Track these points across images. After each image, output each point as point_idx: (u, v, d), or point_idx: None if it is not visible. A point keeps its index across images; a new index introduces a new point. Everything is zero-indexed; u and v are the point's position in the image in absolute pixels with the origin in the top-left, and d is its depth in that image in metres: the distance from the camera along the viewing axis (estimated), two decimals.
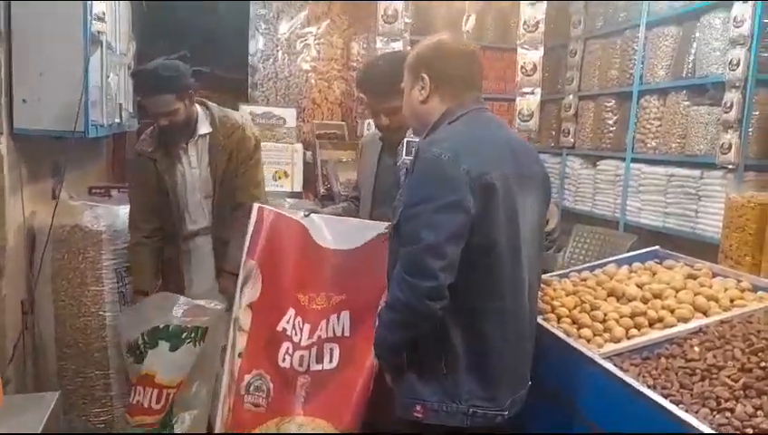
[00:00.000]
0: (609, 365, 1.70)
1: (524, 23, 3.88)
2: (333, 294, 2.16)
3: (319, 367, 2.14)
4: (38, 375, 2.77)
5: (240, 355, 2.10)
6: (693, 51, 3.76)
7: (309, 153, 4.78)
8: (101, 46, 2.93)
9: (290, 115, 4.72)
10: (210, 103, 2.74)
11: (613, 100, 4.48)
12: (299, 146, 4.66)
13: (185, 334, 2.43)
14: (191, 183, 2.67)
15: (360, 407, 2.06)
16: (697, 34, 3.72)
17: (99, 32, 2.83)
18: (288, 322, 2.16)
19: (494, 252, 1.60)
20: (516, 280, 1.67)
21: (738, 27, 3.34)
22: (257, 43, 5.13)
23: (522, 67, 4.09)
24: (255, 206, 2.22)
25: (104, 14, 2.91)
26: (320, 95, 5.28)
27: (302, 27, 5.22)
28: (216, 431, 2.12)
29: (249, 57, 5.03)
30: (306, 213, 2.26)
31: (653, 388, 1.58)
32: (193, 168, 2.67)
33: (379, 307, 1.81)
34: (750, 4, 3.29)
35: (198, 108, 2.66)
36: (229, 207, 2.69)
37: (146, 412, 2.42)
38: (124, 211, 2.82)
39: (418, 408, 1.64)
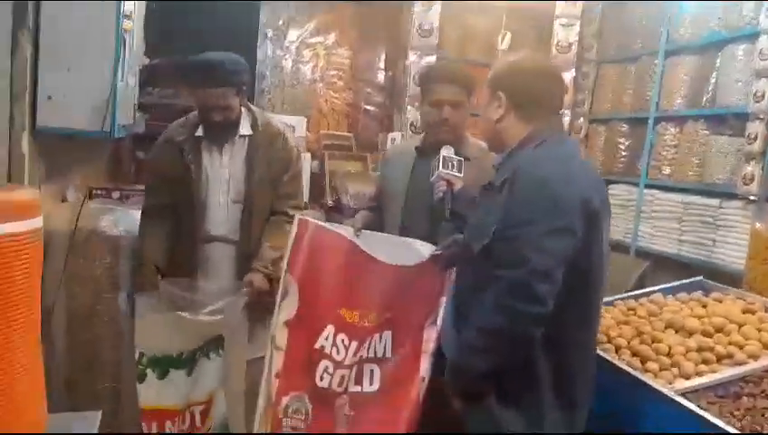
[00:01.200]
0: (689, 404, 1.62)
1: (557, 43, 3.85)
2: (381, 311, 2.06)
3: (358, 389, 2.04)
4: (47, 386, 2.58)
5: (277, 376, 1.98)
6: (713, 80, 3.77)
7: (315, 163, 4.68)
8: (124, 45, 2.79)
9: (299, 124, 4.59)
10: (253, 106, 2.61)
11: (626, 125, 4.48)
12: (307, 156, 4.53)
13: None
14: (215, 183, 2.51)
15: None
16: (718, 64, 3.73)
17: (125, 30, 2.70)
18: (327, 339, 2.05)
19: (589, 280, 1.56)
20: (598, 309, 1.63)
21: (764, 60, 3.35)
22: (266, 50, 5.03)
23: None
24: (297, 218, 2.12)
25: (132, 12, 2.78)
26: (326, 105, 5.20)
27: (311, 36, 5.15)
28: None
29: (257, 64, 4.92)
30: (357, 232, 2.15)
31: (742, 430, 1.50)
32: (223, 167, 2.52)
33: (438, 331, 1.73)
34: None
35: (242, 108, 2.53)
36: (261, 218, 2.54)
37: None
38: None
39: None
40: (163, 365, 2.24)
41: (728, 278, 3.04)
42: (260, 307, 2.37)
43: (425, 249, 2.05)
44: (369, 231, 2.20)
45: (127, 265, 2.65)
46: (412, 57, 3.38)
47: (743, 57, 3.55)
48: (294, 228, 2.09)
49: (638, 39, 4.43)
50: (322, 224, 2.17)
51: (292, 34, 5.08)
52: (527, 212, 1.50)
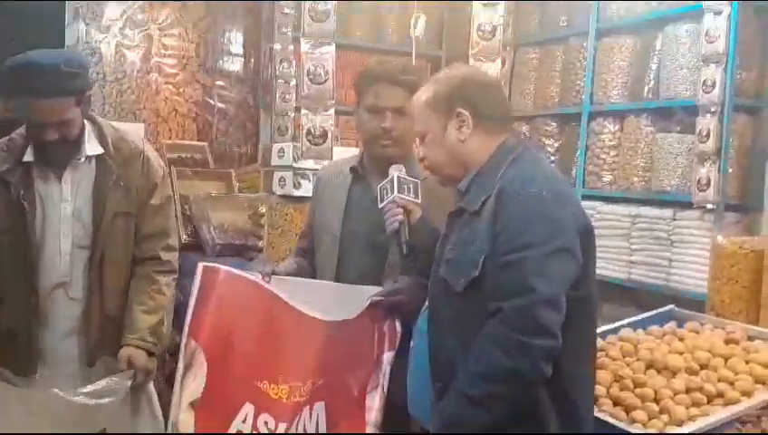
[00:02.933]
0: None
1: (478, 28, 4.15)
2: (311, 379, 2.18)
3: None
4: None
5: None
6: (654, 67, 4.25)
7: None
8: None
9: (135, 132, 4.56)
10: (96, 116, 2.64)
11: (554, 123, 4.91)
12: None
13: None
14: (54, 223, 2.51)
15: None
16: (659, 48, 4.22)
17: None
18: (245, 421, 2.13)
19: (589, 308, 1.80)
20: (595, 341, 1.89)
21: (712, 43, 3.81)
22: (77, 32, 4.95)
23: None
24: (200, 265, 2.20)
25: None
26: (166, 105, 5.19)
27: (141, 12, 5.13)
28: None
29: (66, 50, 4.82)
30: (267, 277, 2.26)
31: None
32: (64, 201, 2.52)
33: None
34: (724, 16, 3.77)
35: (84, 121, 2.54)
36: (118, 268, 2.58)
37: None
38: None
39: None
40: None
41: (688, 304, 3.41)
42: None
43: (364, 296, 2.20)
44: (293, 278, 2.31)
45: None
46: (305, 47, 3.50)
47: (686, 39, 4.04)
48: (198, 278, 2.16)
49: (564, 17, 4.88)
50: (236, 271, 2.25)
51: (114, 10, 5.04)
52: (524, 235, 1.70)
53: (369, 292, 2.21)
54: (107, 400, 2.26)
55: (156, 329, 2.48)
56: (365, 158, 2.50)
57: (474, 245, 1.80)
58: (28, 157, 2.48)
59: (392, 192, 2.17)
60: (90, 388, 2.27)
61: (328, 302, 2.24)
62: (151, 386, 2.61)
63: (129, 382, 2.33)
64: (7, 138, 2.54)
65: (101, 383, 2.28)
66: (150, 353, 2.46)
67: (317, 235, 2.53)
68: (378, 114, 2.34)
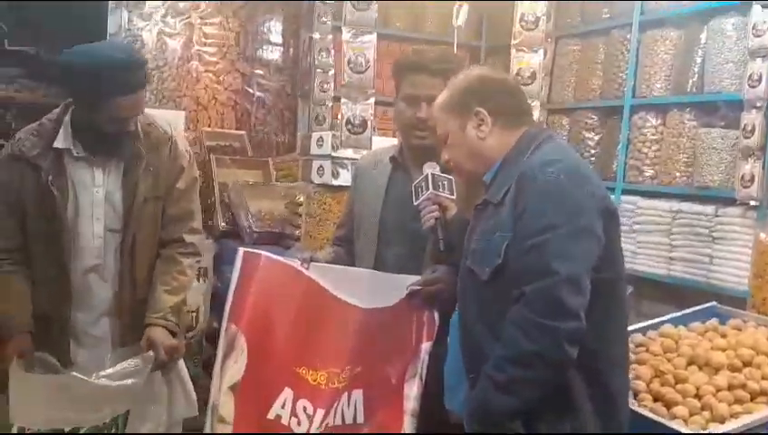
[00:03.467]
0: None
1: (521, 17, 4.14)
2: (349, 366, 2.20)
3: None
4: None
5: None
6: (699, 60, 4.19)
7: (198, 172, 4.71)
8: None
9: (176, 120, 4.62)
10: None
11: (595, 115, 4.87)
12: None
13: None
14: (87, 207, 2.58)
15: None
16: (704, 41, 4.16)
17: None
18: (284, 406, 2.16)
19: (617, 288, 1.84)
20: (628, 320, 1.95)
21: (759, 36, 3.76)
22: (119, 19, 5.00)
23: (517, 74, 4.29)
24: (241, 251, 2.23)
25: None
26: (206, 93, 5.24)
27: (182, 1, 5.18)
28: None
29: (108, 38, 4.89)
30: (305, 263, 2.28)
31: None
32: (96, 186, 2.59)
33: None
34: None
35: None
36: (152, 248, 2.65)
37: None
38: None
39: None
40: None
41: (729, 301, 3.39)
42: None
43: (403, 285, 2.21)
44: (332, 265, 2.33)
45: None
46: (346, 35, 3.52)
47: (733, 33, 3.99)
48: (238, 264, 2.18)
49: (605, 7, 4.84)
50: (276, 257, 2.28)
51: None
52: (544, 217, 1.74)
53: (408, 280, 2.23)
54: (130, 381, 2.31)
55: (178, 308, 2.55)
56: (404, 148, 2.52)
57: (497, 233, 1.84)
58: (59, 143, 2.54)
59: (427, 189, 2.21)
60: (110, 370, 2.32)
61: (367, 289, 2.26)
62: (183, 368, 2.65)
63: (150, 365, 2.36)
64: (37, 123, 2.60)
65: (123, 365, 2.33)
66: (172, 333, 2.51)
67: (356, 223, 2.56)
68: (414, 104, 2.37)
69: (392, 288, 2.24)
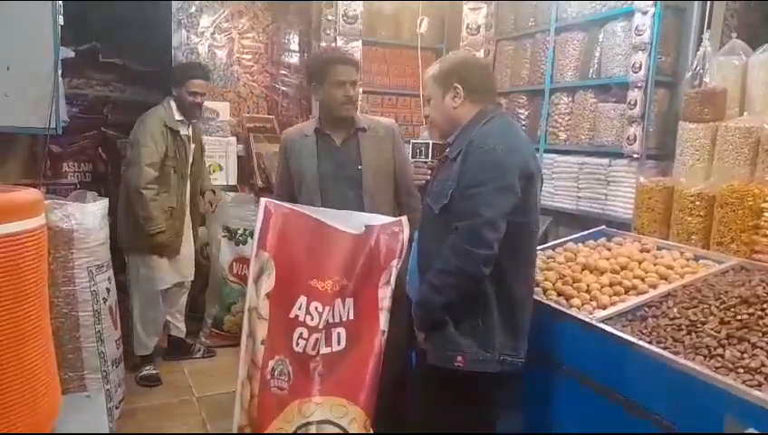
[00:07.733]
0: (608, 328, 1.94)
1: (467, 26, 4.09)
2: (343, 278, 2.23)
3: (328, 350, 2.21)
4: None
5: (263, 342, 2.12)
6: (597, 54, 4.16)
7: (240, 147, 4.71)
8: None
9: (223, 109, 4.61)
10: None
11: (525, 97, 4.83)
12: (232, 139, 4.58)
13: None
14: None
15: (374, 383, 2.16)
16: (601, 40, 4.12)
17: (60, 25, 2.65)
18: (300, 308, 2.19)
19: (527, 228, 1.86)
20: (534, 252, 1.96)
21: (640, 35, 3.75)
22: (181, 36, 4.94)
23: None
24: (263, 201, 2.23)
25: (61, 6, 2.72)
26: (245, 89, 5.20)
27: (226, 21, 5.11)
28: (235, 418, 2.13)
29: (173, 50, 4.84)
30: None
31: (650, 343, 1.83)
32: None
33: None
34: (649, 16, 3.71)
35: None
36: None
37: None
38: (94, 209, 2.68)
39: (459, 358, 1.85)
40: None
41: (619, 226, 3.44)
42: None
43: (366, 219, 2.27)
44: (320, 208, 2.36)
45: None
46: (340, 42, 3.50)
47: (621, 33, 3.95)
48: (261, 210, 2.20)
49: (532, 18, 4.77)
50: (285, 204, 2.29)
51: (207, 20, 5.02)
52: (478, 176, 1.78)
53: (364, 217, 2.30)
54: None
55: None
56: (323, 121, 2.52)
57: (448, 182, 1.87)
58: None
59: (426, 156, 2.31)
60: None
61: (344, 223, 2.27)
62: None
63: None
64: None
65: None
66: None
67: (297, 179, 2.54)
68: (342, 86, 2.40)
69: (359, 222, 2.27)
